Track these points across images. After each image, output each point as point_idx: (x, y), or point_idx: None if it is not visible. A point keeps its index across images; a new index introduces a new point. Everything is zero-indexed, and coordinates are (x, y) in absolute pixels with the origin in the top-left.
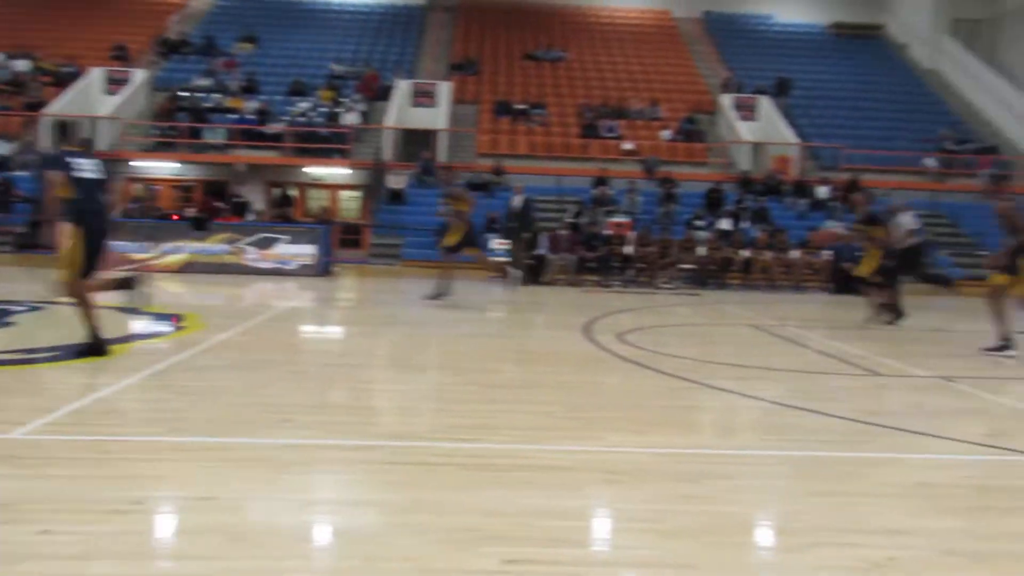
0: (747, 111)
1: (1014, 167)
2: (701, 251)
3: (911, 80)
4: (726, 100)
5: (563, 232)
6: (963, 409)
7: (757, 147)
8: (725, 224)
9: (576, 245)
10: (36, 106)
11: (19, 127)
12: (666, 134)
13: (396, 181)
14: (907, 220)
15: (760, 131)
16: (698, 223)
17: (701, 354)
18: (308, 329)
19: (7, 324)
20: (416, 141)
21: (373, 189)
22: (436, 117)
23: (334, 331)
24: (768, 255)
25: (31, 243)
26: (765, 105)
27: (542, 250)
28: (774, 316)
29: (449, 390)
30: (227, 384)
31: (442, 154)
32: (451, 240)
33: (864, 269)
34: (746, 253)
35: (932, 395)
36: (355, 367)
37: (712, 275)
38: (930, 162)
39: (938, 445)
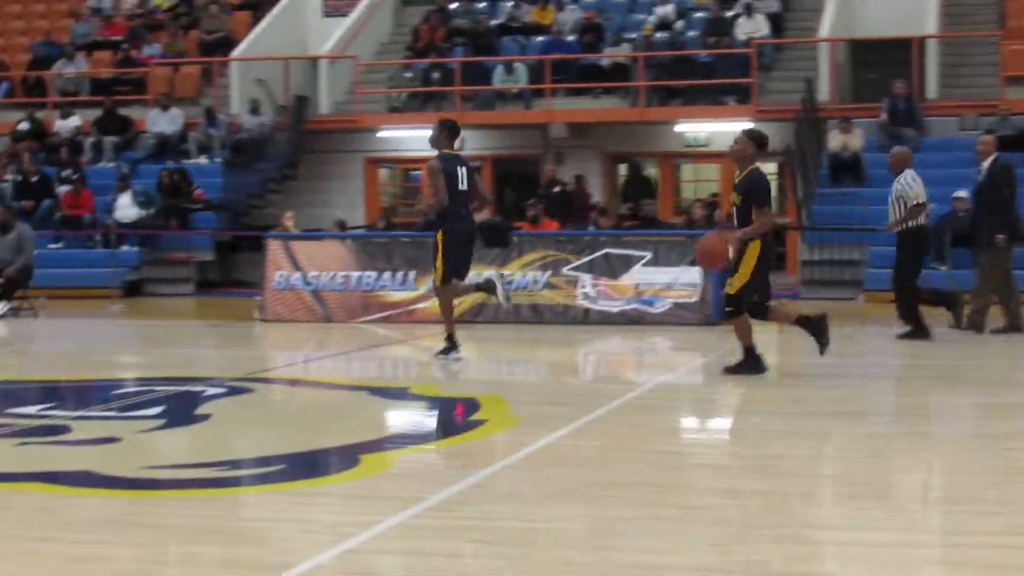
0: None
1: None
2: None
3: None
4: None
5: None
6: None
7: None
8: None
9: None
10: (220, 46)
11: (197, 82)
12: None
13: (843, 140)
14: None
15: None
16: None
17: None
18: (703, 426)
19: (198, 418)
20: (878, 62)
21: (801, 158)
22: (917, 12)
23: (747, 429)
24: None
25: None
26: None
27: None
28: None
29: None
30: (560, 526)
31: (931, 83)
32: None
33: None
34: None
35: None
36: (827, 496)
37: None
38: None
39: None
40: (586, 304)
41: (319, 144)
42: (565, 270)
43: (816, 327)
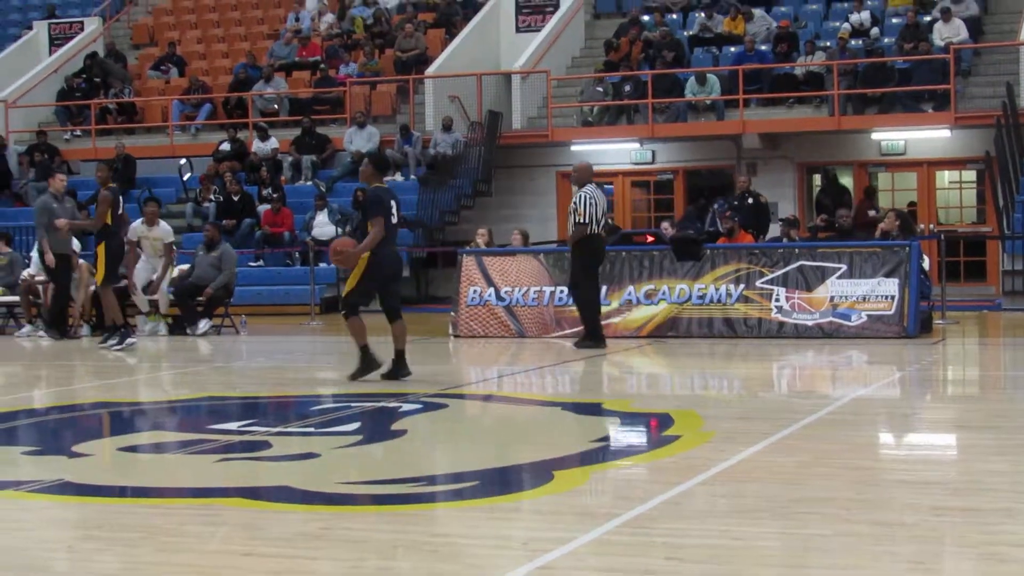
0: None
1: None
2: None
3: None
4: None
5: None
6: None
7: None
8: None
9: None
10: (415, 64)
11: (393, 100)
12: None
13: None
14: None
15: None
16: None
17: None
18: (901, 441)
19: (394, 434)
20: None
21: (1002, 165)
22: None
23: (947, 445)
24: None
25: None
26: None
27: None
28: None
29: None
30: (755, 543)
31: None
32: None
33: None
34: None
35: None
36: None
37: None
38: None
39: None
40: (780, 317)
41: (512, 159)
42: (759, 283)
43: (366, 360)
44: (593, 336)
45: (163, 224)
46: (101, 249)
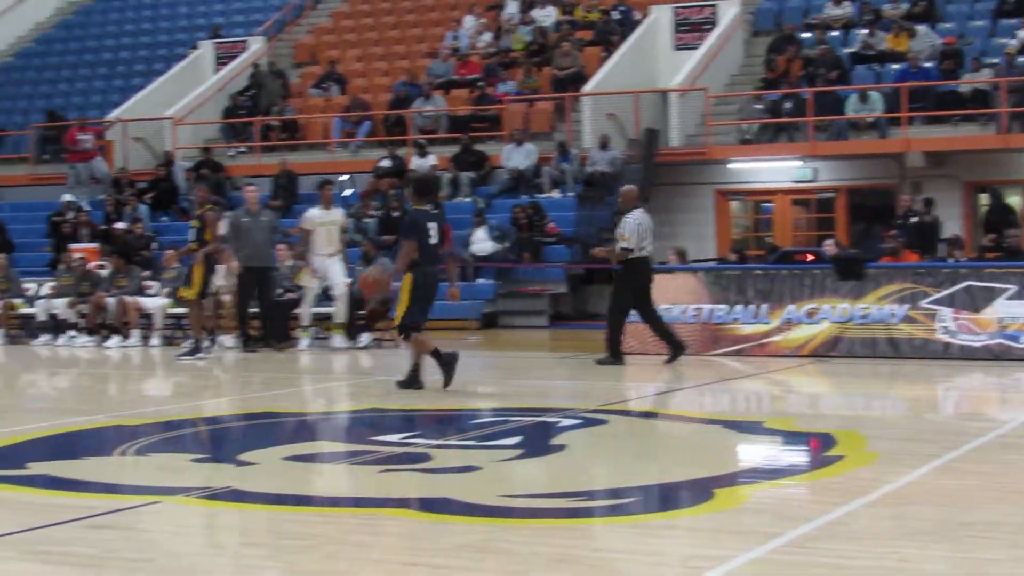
0: None
1: None
2: None
3: None
4: None
5: None
6: None
7: None
8: None
9: None
10: (572, 82)
11: (550, 118)
12: None
13: None
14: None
15: None
16: None
17: None
18: None
19: (553, 448)
20: None
21: None
22: None
23: None
24: None
25: (580, 311)
26: None
27: None
28: None
29: None
30: (923, 566)
31: None
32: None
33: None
34: None
35: None
36: None
37: None
38: None
39: None
40: (946, 338)
41: (669, 176)
42: (924, 303)
43: (446, 361)
44: (613, 352)
45: (336, 208)
46: (200, 267)
